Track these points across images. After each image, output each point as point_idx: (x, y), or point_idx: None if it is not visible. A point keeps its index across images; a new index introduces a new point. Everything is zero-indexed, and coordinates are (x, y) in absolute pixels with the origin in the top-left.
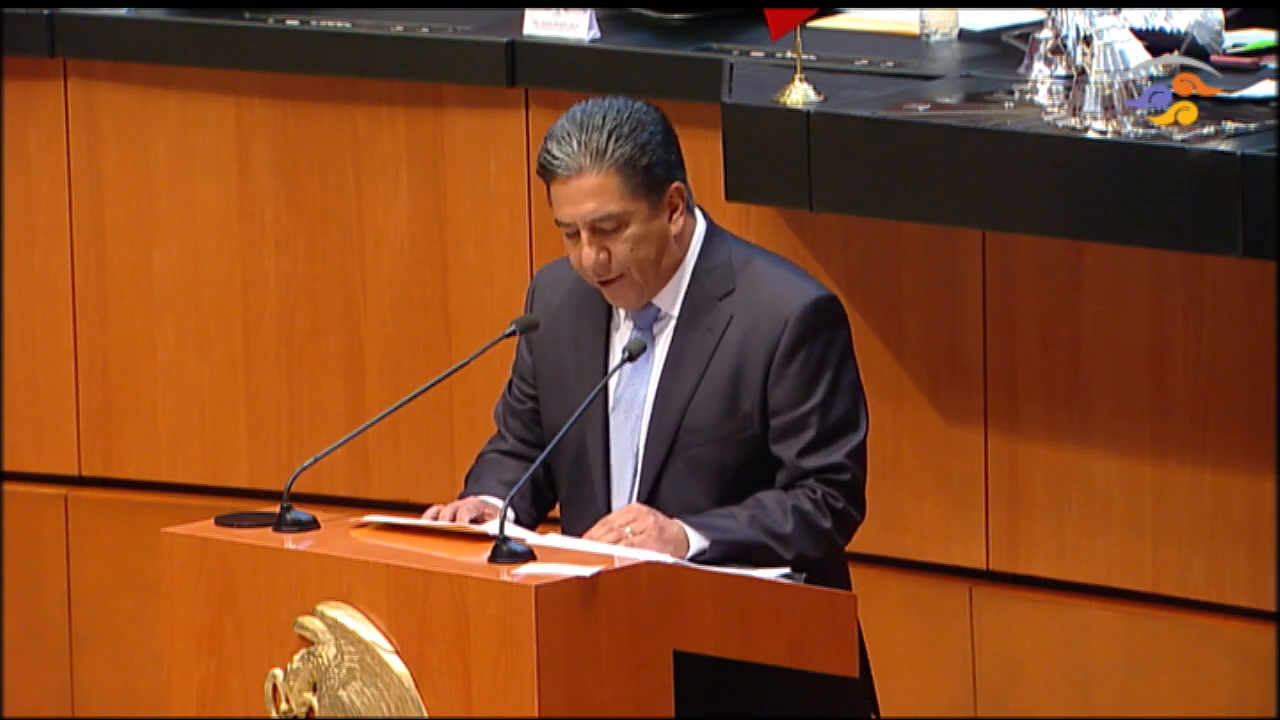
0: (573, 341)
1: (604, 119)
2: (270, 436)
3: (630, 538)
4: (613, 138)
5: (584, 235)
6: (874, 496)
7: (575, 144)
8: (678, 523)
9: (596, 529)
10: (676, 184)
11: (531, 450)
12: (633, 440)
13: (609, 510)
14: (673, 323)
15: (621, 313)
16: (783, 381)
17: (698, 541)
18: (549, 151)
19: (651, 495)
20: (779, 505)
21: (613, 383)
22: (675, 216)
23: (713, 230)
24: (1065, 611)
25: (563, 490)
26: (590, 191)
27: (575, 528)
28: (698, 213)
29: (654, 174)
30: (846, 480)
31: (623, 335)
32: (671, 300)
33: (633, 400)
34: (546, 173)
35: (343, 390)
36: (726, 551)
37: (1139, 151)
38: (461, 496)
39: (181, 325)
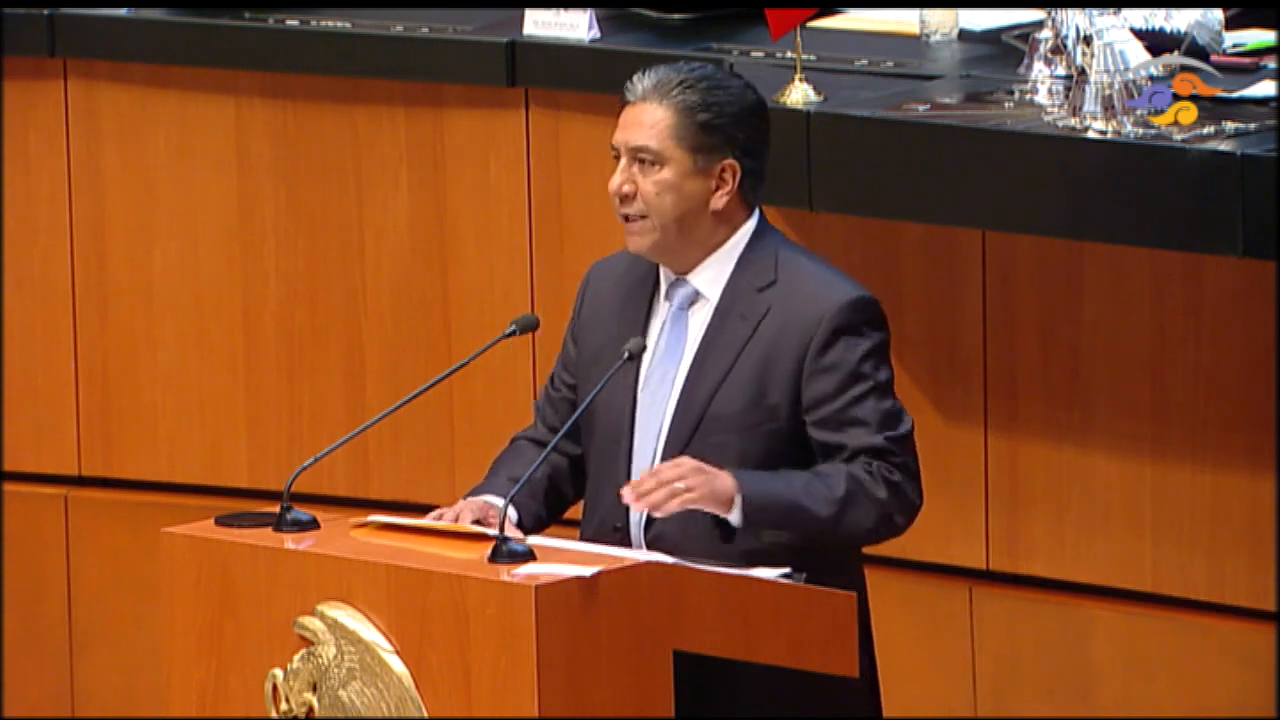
0: (615, 326)
1: (692, 72)
2: (270, 436)
3: (682, 494)
4: (685, 85)
5: (623, 160)
6: None
7: (654, 78)
8: (731, 482)
9: (645, 480)
10: (731, 161)
11: (562, 440)
12: (657, 421)
13: None
14: (710, 307)
15: (662, 295)
16: (818, 376)
17: (736, 518)
18: (631, 78)
19: None
20: (835, 471)
21: (645, 361)
22: (719, 193)
23: (764, 227)
24: (1065, 611)
25: (590, 465)
26: (642, 121)
27: (596, 503)
28: (757, 211)
29: (709, 134)
30: (900, 462)
31: (660, 318)
32: (712, 285)
33: (661, 380)
34: (622, 98)
35: (343, 390)
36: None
37: (1139, 151)
38: (484, 481)
39: (181, 325)
